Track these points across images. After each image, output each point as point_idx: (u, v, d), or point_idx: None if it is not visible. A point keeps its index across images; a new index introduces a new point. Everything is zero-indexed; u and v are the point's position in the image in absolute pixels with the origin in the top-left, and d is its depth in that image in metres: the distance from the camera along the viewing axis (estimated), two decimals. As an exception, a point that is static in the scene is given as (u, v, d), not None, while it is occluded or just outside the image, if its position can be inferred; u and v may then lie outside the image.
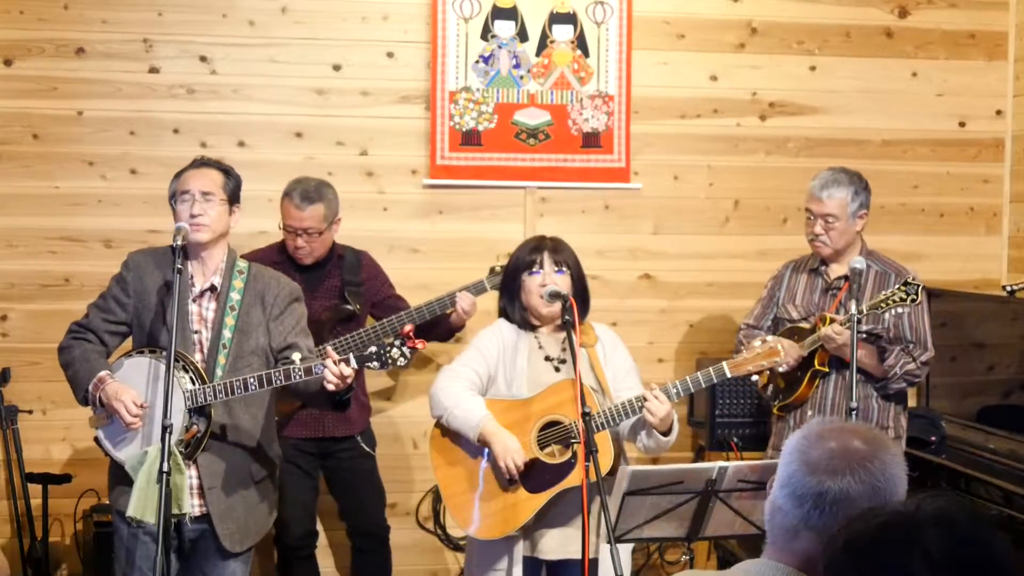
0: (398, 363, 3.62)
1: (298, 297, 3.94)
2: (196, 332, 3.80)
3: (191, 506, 3.75)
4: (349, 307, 4.73)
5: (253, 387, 3.67)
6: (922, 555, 1.60)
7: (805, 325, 4.40)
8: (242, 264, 3.90)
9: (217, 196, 3.79)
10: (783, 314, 4.53)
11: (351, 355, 3.63)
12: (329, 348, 3.74)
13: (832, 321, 4.24)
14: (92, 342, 3.83)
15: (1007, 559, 1.61)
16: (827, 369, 4.33)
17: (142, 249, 4.00)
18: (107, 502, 4.83)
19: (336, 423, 4.80)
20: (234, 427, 3.83)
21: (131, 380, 3.74)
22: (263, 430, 3.93)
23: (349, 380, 3.61)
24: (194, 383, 3.68)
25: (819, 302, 4.45)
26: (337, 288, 4.78)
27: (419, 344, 3.65)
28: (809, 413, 4.36)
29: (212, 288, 3.82)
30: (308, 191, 4.66)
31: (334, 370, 3.57)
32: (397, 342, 3.62)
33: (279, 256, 4.78)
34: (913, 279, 4.12)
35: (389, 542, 5.01)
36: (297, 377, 3.64)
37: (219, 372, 3.74)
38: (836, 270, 4.46)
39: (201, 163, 3.88)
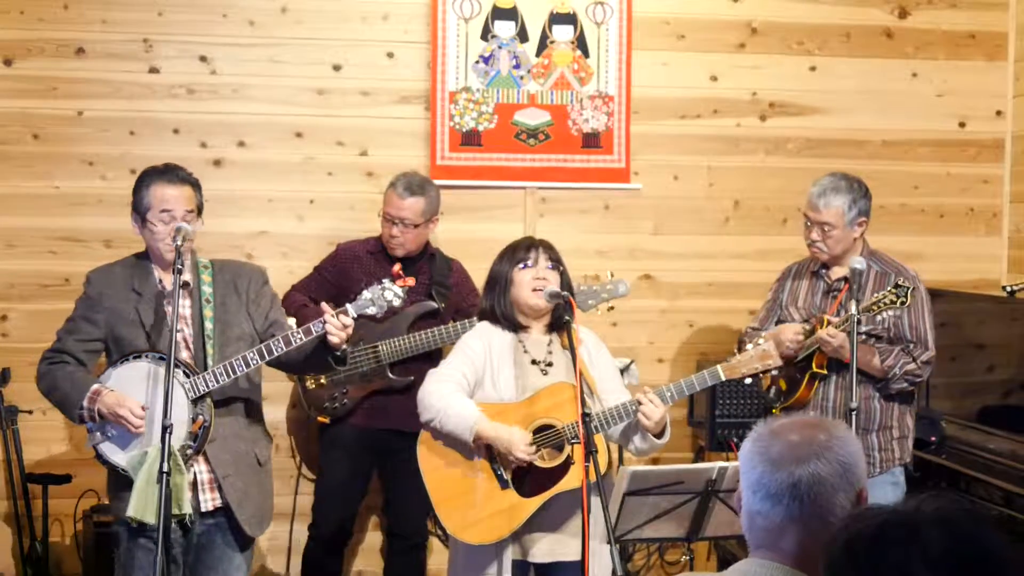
0: (393, 303, 3.78)
1: (267, 280, 4.03)
2: (179, 331, 3.81)
3: (204, 501, 3.78)
4: (433, 303, 4.78)
5: (255, 361, 3.74)
6: (922, 555, 1.60)
7: (806, 327, 4.40)
8: (204, 260, 3.94)
9: (194, 215, 3.84)
10: (786, 316, 4.53)
11: (347, 304, 3.74)
12: (324, 304, 3.78)
13: (829, 323, 4.23)
14: (69, 364, 3.83)
15: (1007, 559, 1.62)
16: (825, 371, 4.32)
17: (100, 265, 4.02)
18: (107, 502, 4.85)
19: (401, 416, 4.77)
20: (235, 413, 3.86)
21: (125, 387, 3.74)
22: (259, 413, 4.00)
23: (350, 330, 3.73)
24: (188, 376, 3.70)
25: (820, 304, 4.45)
26: (425, 285, 4.84)
27: (409, 281, 3.79)
28: (811, 414, 4.35)
29: (184, 285, 3.84)
30: (412, 183, 4.80)
31: (334, 322, 3.68)
32: (387, 282, 3.78)
33: (375, 247, 4.89)
34: (905, 281, 4.12)
35: (425, 549, 5.03)
36: (297, 340, 3.71)
37: (210, 363, 3.77)
38: (837, 272, 4.46)
39: (179, 178, 3.85)
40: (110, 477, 3.86)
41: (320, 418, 4.86)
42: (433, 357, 4.89)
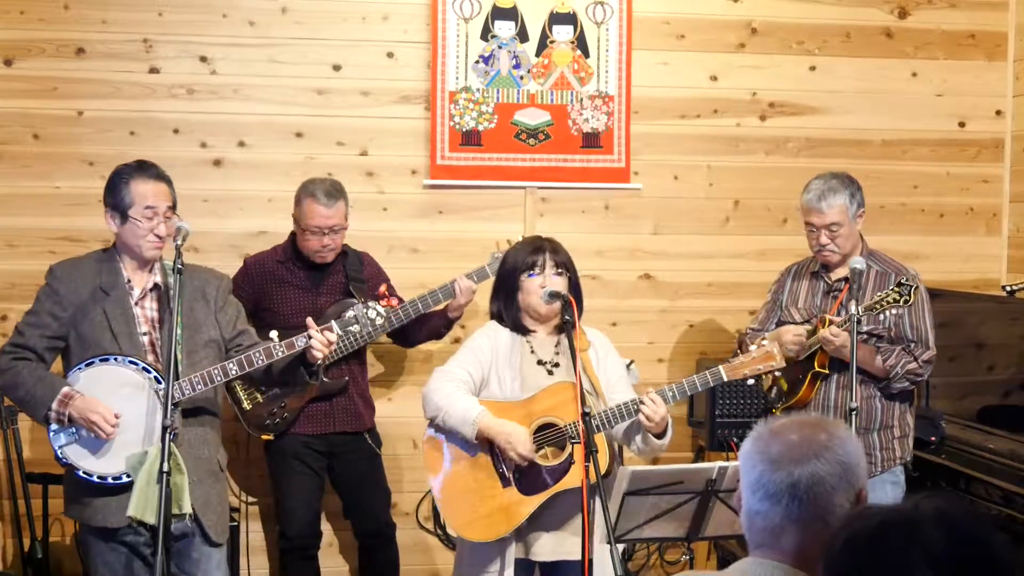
0: (376, 323, 3.77)
1: (231, 288, 4.04)
2: (145, 334, 3.80)
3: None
4: (354, 300, 4.76)
5: (234, 372, 3.74)
6: (923, 554, 1.60)
7: (807, 327, 4.40)
8: (170, 263, 3.86)
9: (173, 211, 3.83)
10: (786, 317, 4.53)
11: (332, 322, 3.74)
12: (309, 319, 3.79)
13: (831, 323, 4.23)
14: (33, 360, 3.77)
15: (1007, 557, 1.62)
16: (827, 371, 4.32)
17: (65, 259, 3.98)
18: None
19: (343, 417, 4.83)
20: (200, 420, 3.85)
21: (95, 391, 3.70)
22: (218, 421, 3.99)
23: (334, 346, 3.76)
24: (158, 382, 3.67)
25: (821, 304, 4.45)
26: (342, 284, 4.82)
27: (393, 302, 3.79)
28: (812, 414, 4.36)
29: (155, 288, 3.82)
30: (330, 189, 4.72)
31: (320, 338, 3.68)
32: (371, 302, 3.78)
33: (283, 255, 4.84)
34: (907, 280, 4.12)
35: (396, 539, 5.03)
36: (279, 353, 3.71)
37: (179, 368, 3.73)
38: (838, 272, 4.46)
39: (156, 174, 3.83)
40: (68, 481, 3.82)
41: (263, 436, 4.83)
42: (361, 355, 4.90)
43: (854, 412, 3.90)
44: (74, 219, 5.12)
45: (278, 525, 4.97)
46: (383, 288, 3.98)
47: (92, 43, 5.12)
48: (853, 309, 3.97)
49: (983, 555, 1.62)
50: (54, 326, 3.79)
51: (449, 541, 5.38)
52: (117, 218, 3.80)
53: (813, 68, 5.57)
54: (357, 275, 4.85)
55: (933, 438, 5.01)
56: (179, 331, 3.75)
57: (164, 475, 3.49)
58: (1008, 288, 5.10)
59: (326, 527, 5.20)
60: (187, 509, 3.70)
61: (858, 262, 4.14)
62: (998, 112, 5.71)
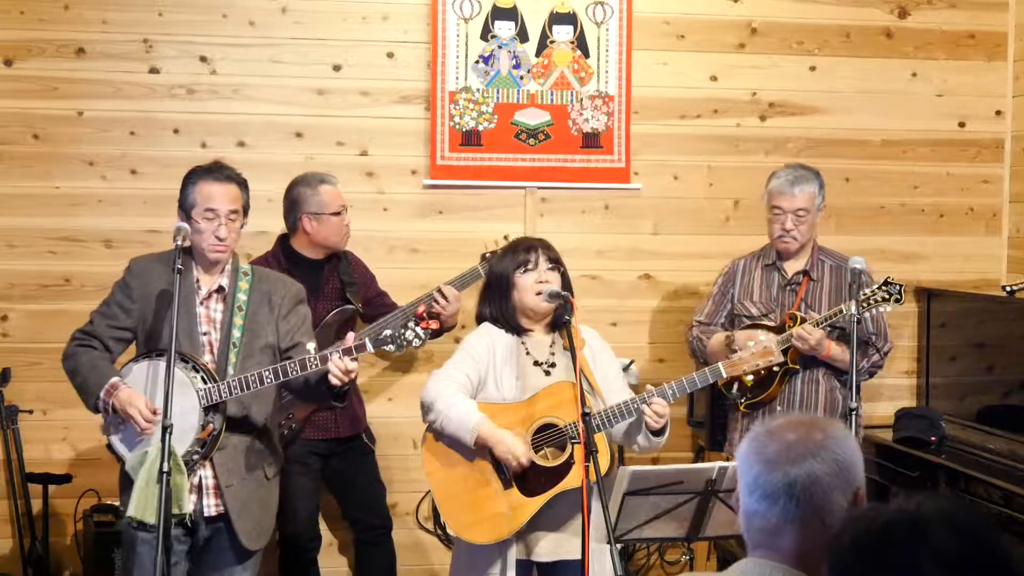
0: (413, 344, 3.69)
1: (303, 299, 3.98)
2: (205, 333, 3.81)
3: (207, 506, 3.77)
4: (351, 307, 4.76)
5: (269, 380, 3.70)
6: (931, 552, 1.61)
7: (768, 322, 4.45)
8: (245, 266, 3.93)
9: (239, 215, 3.83)
10: (741, 310, 4.58)
11: (366, 339, 3.68)
12: (351, 334, 3.74)
13: (802, 320, 4.31)
14: (97, 348, 3.82)
15: (1010, 554, 1.64)
16: (798, 367, 4.40)
17: (144, 254, 4.00)
18: (107, 502, 4.85)
19: (346, 423, 4.85)
20: (247, 424, 3.84)
21: (142, 384, 3.73)
22: (271, 428, 3.98)
23: (353, 375, 3.66)
24: (205, 382, 3.69)
25: (778, 298, 4.52)
26: (338, 289, 4.81)
27: (432, 324, 3.74)
28: (778, 409, 4.43)
29: (219, 289, 3.84)
30: (325, 173, 4.82)
31: (339, 364, 3.61)
32: (411, 323, 3.70)
33: (276, 264, 4.81)
34: (892, 279, 4.20)
35: (392, 537, 5.03)
36: (313, 366, 3.67)
37: (231, 371, 3.75)
38: (792, 266, 4.54)
39: (224, 176, 3.84)
40: (120, 472, 3.85)
41: None
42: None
43: (854, 412, 3.92)
44: (74, 219, 5.12)
45: (277, 527, 4.97)
46: (421, 309, 3.90)
47: (92, 43, 5.12)
48: (854, 309, 4.00)
49: (989, 552, 1.63)
50: (122, 317, 3.83)
51: (449, 541, 5.38)
52: (184, 219, 3.82)
53: (813, 68, 5.57)
54: (349, 279, 4.84)
55: (933, 438, 5.01)
56: (238, 334, 3.78)
57: (164, 475, 3.48)
58: (1008, 288, 5.11)
59: (324, 528, 5.20)
60: (187, 509, 3.70)
61: (858, 262, 4.17)
62: (998, 112, 5.72)
